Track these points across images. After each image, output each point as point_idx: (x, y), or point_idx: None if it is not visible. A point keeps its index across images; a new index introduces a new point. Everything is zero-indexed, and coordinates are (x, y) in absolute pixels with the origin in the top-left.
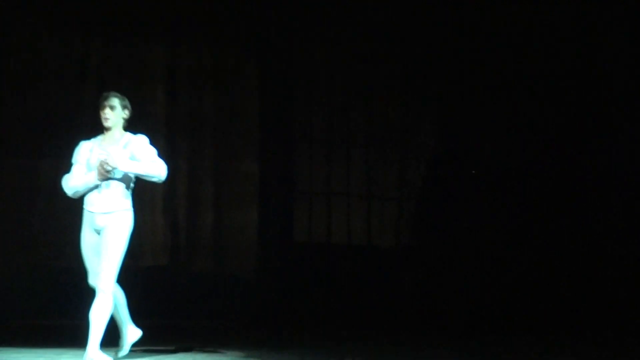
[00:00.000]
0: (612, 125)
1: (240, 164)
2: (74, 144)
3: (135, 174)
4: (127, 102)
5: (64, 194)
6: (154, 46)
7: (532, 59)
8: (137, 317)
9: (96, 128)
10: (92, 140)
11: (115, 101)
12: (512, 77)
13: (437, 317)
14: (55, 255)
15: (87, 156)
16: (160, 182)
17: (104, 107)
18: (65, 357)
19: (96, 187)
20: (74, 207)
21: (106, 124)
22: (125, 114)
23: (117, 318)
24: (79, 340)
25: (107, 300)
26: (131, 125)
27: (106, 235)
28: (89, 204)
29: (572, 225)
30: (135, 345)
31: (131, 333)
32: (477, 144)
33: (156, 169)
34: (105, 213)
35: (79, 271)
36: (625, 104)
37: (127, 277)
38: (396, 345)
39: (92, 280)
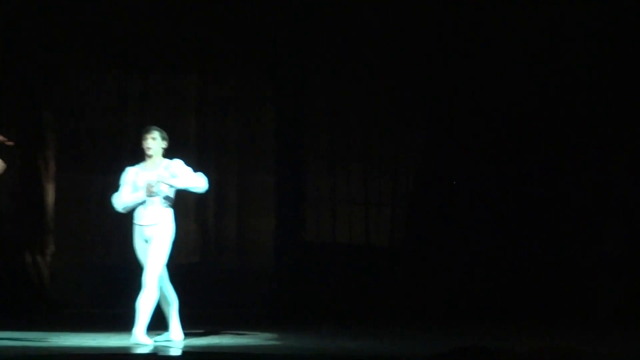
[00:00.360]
0: (596, 135)
1: (259, 177)
2: (118, 161)
3: (184, 187)
4: (165, 134)
5: (113, 209)
6: (185, 78)
7: (517, 73)
8: None
9: (136, 148)
10: (137, 166)
11: (156, 134)
12: (495, 93)
13: (423, 304)
14: (104, 254)
15: (133, 179)
16: (203, 192)
17: (146, 139)
18: (112, 340)
19: (143, 203)
20: (119, 214)
21: (148, 152)
22: (164, 144)
23: (167, 313)
24: (124, 326)
25: (152, 293)
26: (167, 146)
27: (153, 243)
28: (138, 218)
29: (554, 229)
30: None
31: (176, 332)
32: (460, 157)
33: (200, 181)
34: (151, 225)
35: (125, 268)
36: (611, 112)
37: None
38: (389, 327)
39: None
